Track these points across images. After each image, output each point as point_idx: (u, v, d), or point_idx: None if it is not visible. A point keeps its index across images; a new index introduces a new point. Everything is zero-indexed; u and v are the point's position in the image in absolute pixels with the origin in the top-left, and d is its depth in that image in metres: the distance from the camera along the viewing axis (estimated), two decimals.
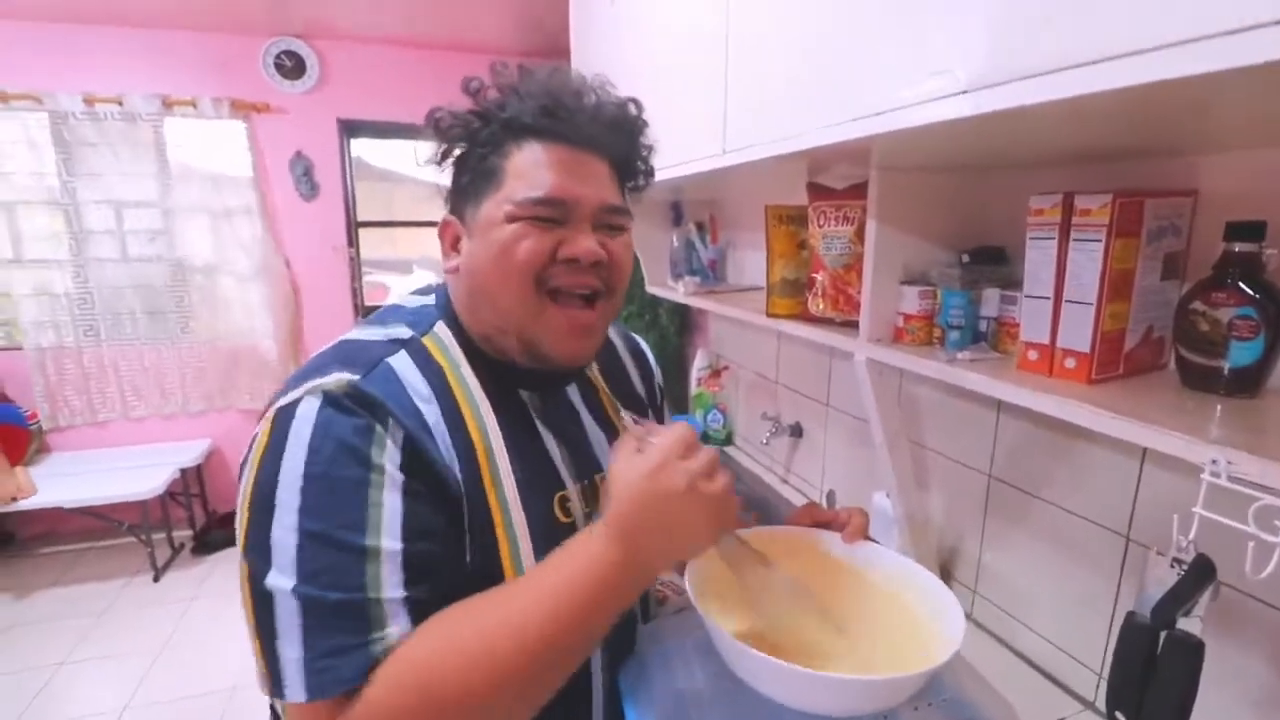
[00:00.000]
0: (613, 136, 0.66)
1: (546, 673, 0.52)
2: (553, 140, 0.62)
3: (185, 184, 2.97)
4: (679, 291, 1.62)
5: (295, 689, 0.48)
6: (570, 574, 0.52)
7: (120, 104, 2.82)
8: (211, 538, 3.03)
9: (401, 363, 0.60)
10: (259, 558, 0.50)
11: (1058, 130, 0.65)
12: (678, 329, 2.24)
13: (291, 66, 3.00)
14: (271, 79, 2.99)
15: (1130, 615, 0.57)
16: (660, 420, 0.89)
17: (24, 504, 2.55)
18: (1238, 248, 0.62)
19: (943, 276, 0.89)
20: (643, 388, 0.86)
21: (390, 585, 0.51)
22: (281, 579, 0.49)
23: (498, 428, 0.62)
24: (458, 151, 0.66)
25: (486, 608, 0.52)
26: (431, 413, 0.58)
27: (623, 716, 0.68)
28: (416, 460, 0.55)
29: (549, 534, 0.61)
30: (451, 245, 0.67)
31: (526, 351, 0.64)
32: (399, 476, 0.53)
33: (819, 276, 1.04)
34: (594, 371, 0.78)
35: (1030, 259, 0.73)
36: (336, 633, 0.49)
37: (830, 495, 1.42)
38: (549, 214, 0.61)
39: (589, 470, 0.70)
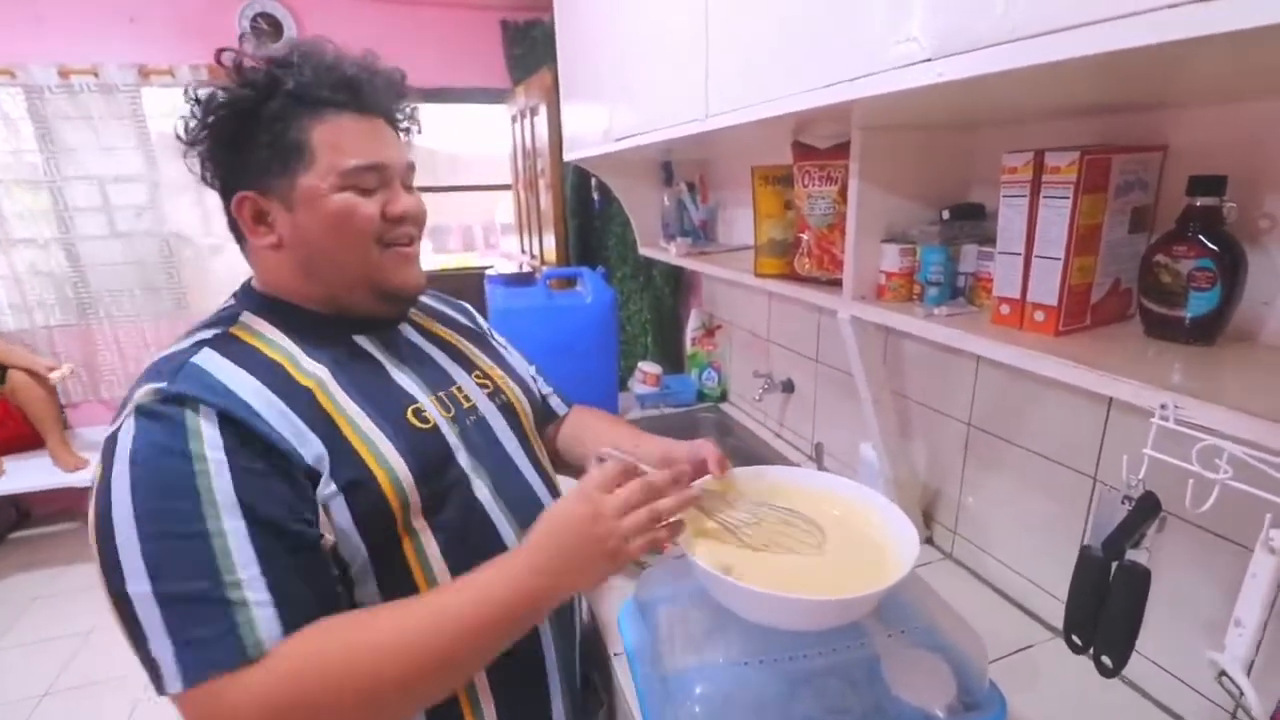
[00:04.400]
0: (392, 103, 0.73)
1: (455, 669, 0.59)
2: (351, 111, 0.68)
3: (168, 157, 2.93)
4: (671, 253, 1.64)
5: (173, 680, 0.51)
6: (489, 585, 0.58)
7: (96, 75, 2.76)
8: None
9: (206, 357, 0.62)
10: (112, 572, 0.52)
11: (1028, 91, 0.67)
12: (672, 289, 2.26)
13: (269, 29, 2.93)
14: (248, 43, 2.92)
15: (1085, 548, 0.62)
16: (500, 345, 0.97)
17: (41, 483, 2.61)
18: (1199, 202, 0.65)
19: (923, 234, 0.92)
20: (467, 320, 0.95)
21: (243, 561, 0.53)
22: (137, 584, 0.51)
23: (331, 372, 0.67)
24: (223, 125, 0.66)
25: (404, 605, 0.58)
26: (249, 386, 0.60)
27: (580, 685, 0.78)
28: (239, 432, 0.57)
29: (412, 440, 0.66)
30: (254, 220, 0.68)
31: (375, 293, 0.72)
32: (222, 457, 0.55)
33: (805, 236, 1.06)
34: (420, 316, 0.86)
35: (1003, 215, 0.75)
36: (200, 621, 0.51)
37: (819, 447, 1.47)
38: (371, 182, 0.68)
39: (442, 384, 0.76)
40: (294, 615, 0.54)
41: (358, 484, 0.61)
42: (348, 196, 0.66)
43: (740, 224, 1.69)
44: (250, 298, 0.72)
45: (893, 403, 1.13)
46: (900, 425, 1.18)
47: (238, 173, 0.67)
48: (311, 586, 0.57)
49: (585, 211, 2.67)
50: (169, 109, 2.90)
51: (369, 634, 0.55)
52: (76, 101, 2.78)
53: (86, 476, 2.64)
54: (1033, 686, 0.83)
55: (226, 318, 0.69)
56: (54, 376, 2.66)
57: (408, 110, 0.76)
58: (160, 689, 0.52)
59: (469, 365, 0.83)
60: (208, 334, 0.66)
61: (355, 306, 0.72)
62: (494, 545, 0.70)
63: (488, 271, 3.57)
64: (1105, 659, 0.61)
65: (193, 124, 0.67)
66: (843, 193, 0.98)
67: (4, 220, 2.82)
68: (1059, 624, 0.94)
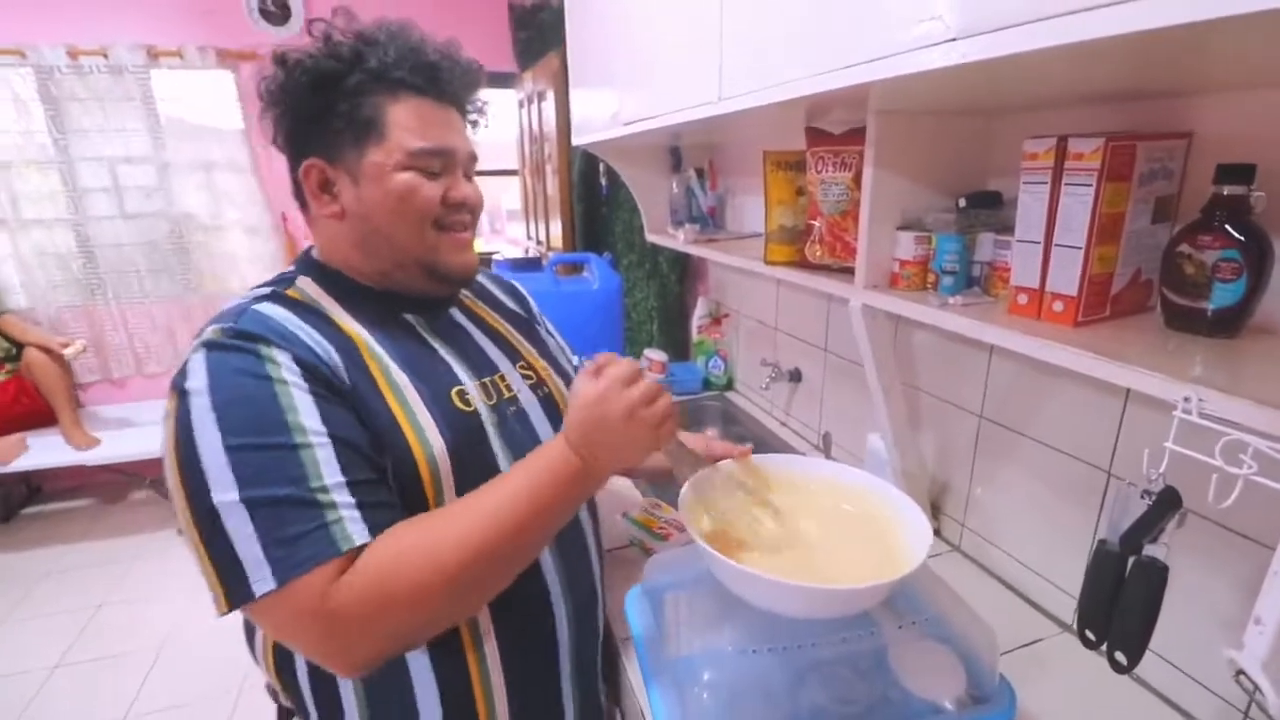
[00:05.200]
0: (467, 94, 0.75)
1: (513, 553, 0.61)
2: (427, 97, 0.70)
3: (177, 138, 2.93)
4: (679, 240, 1.62)
5: (263, 581, 0.52)
6: (536, 469, 0.61)
7: (105, 56, 2.76)
8: None
9: (267, 306, 0.65)
10: (197, 487, 0.53)
11: (1052, 74, 0.65)
12: (678, 277, 2.24)
13: (276, 10, 2.91)
14: (256, 24, 2.91)
15: (1101, 543, 0.61)
16: (548, 333, 0.98)
17: (51, 461, 2.63)
18: (1226, 190, 0.63)
19: (938, 222, 0.90)
20: (518, 307, 0.95)
21: (329, 471, 0.55)
22: (225, 494, 0.52)
23: (379, 340, 0.68)
24: (304, 93, 0.67)
25: (465, 501, 0.60)
26: (307, 332, 0.63)
27: (593, 616, 0.79)
28: (310, 370, 0.60)
29: (453, 421, 0.67)
30: (319, 187, 0.70)
31: (427, 274, 0.73)
32: (303, 383, 0.58)
33: (816, 223, 1.04)
34: (470, 299, 0.87)
35: (1023, 203, 0.74)
36: (290, 522, 0.53)
37: (826, 437, 1.46)
38: (436, 166, 0.69)
39: (486, 370, 0.77)
40: (377, 520, 0.56)
41: (392, 444, 0.63)
42: (411, 176, 0.68)
43: (750, 211, 1.67)
44: (309, 266, 0.74)
45: (903, 393, 1.12)
46: (910, 416, 1.17)
47: (309, 140, 0.69)
48: (392, 498, 0.61)
49: (592, 197, 2.65)
50: (178, 91, 2.89)
51: (445, 525, 0.58)
52: (86, 82, 2.77)
53: (98, 455, 2.67)
54: (1041, 681, 0.82)
55: (283, 280, 0.72)
56: (68, 352, 2.68)
57: (479, 103, 0.78)
58: (243, 597, 0.52)
59: (514, 354, 0.83)
60: (265, 290, 0.69)
61: (407, 284, 0.73)
62: None
63: (494, 257, 3.57)
64: (1119, 655, 0.60)
65: (274, 86, 0.68)
66: (857, 179, 0.96)
67: (15, 201, 2.83)
68: (1068, 619, 0.94)
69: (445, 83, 0.70)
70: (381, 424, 0.62)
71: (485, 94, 0.79)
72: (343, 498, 0.55)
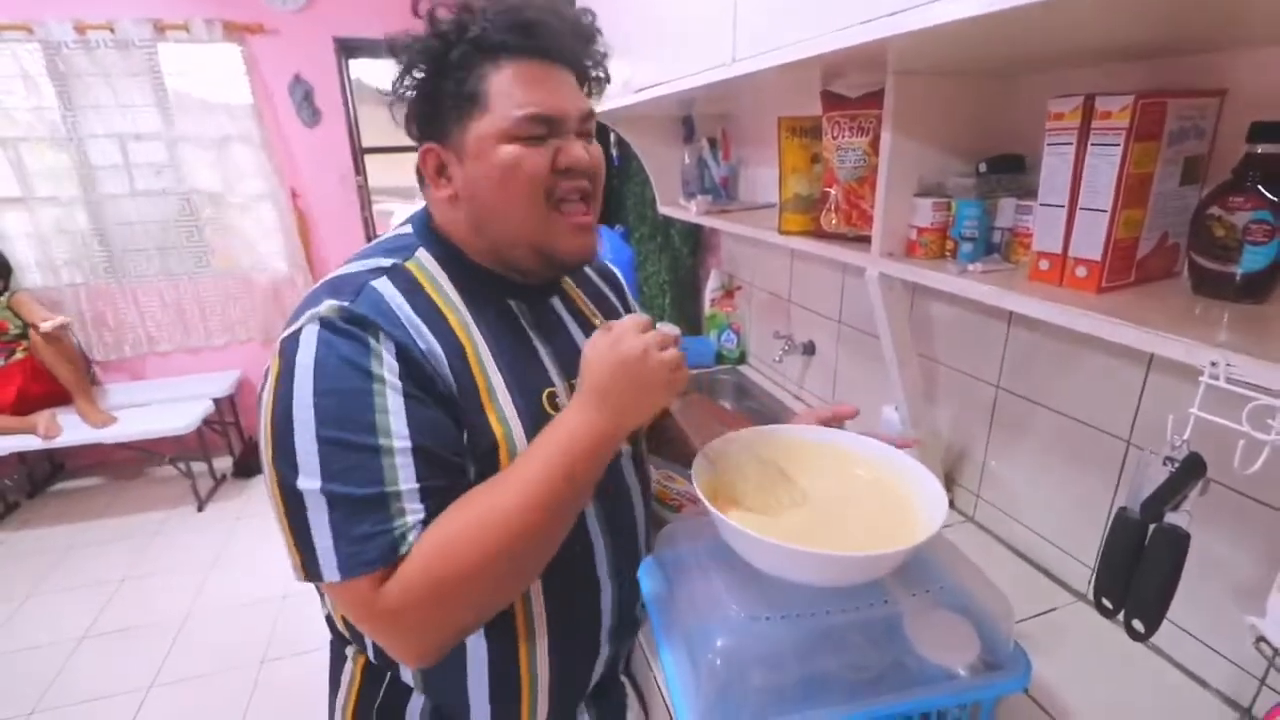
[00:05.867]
0: (579, 47, 0.70)
1: (550, 525, 0.61)
2: (528, 56, 0.65)
3: (186, 114, 2.92)
4: (691, 211, 1.60)
5: (330, 570, 0.55)
6: (558, 438, 0.61)
7: (112, 31, 2.74)
8: (251, 463, 3.18)
9: (384, 285, 0.64)
10: (287, 467, 0.56)
11: (1082, 23, 0.62)
12: (690, 250, 2.22)
13: None
14: None
15: (1122, 510, 0.60)
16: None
17: (67, 439, 2.67)
18: (1260, 149, 0.61)
19: (958, 187, 0.88)
20: (615, 299, 0.92)
21: (405, 477, 0.57)
22: (309, 481, 0.55)
23: (484, 334, 0.68)
24: (419, 76, 0.66)
25: (494, 483, 0.61)
26: (418, 324, 0.63)
27: (634, 608, 0.80)
28: (411, 367, 0.60)
29: (538, 421, 0.67)
30: (436, 172, 0.69)
31: (540, 257, 0.70)
32: (398, 383, 0.59)
33: (832, 191, 1.02)
34: (570, 287, 0.84)
35: (1047, 165, 0.72)
36: (362, 521, 0.55)
37: None
38: (541, 131, 0.65)
39: (576, 370, 0.75)
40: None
41: (484, 447, 0.64)
42: (514, 149, 0.64)
43: (763, 182, 1.65)
44: (427, 236, 0.72)
45: (918, 364, 1.11)
46: (925, 388, 1.16)
47: (427, 124, 0.68)
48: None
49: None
50: (186, 66, 2.87)
51: (484, 510, 0.58)
52: (93, 57, 2.76)
53: (117, 432, 2.71)
54: (1055, 649, 0.82)
55: (403, 248, 0.70)
56: (44, 327, 2.63)
57: (597, 56, 0.72)
58: (313, 575, 0.56)
59: None
60: (385, 262, 0.67)
61: (518, 264, 0.71)
62: (579, 536, 0.72)
63: None
64: (1136, 623, 0.59)
65: (394, 78, 0.67)
66: (874, 144, 0.94)
67: (27, 178, 2.84)
68: (1083, 588, 0.94)
69: (545, 38, 0.65)
70: (477, 427, 0.64)
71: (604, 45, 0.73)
72: (413, 505, 0.57)
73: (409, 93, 0.67)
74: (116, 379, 3.18)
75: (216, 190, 3.04)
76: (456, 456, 0.62)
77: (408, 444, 0.58)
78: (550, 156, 0.65)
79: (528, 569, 0.63)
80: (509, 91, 0.64)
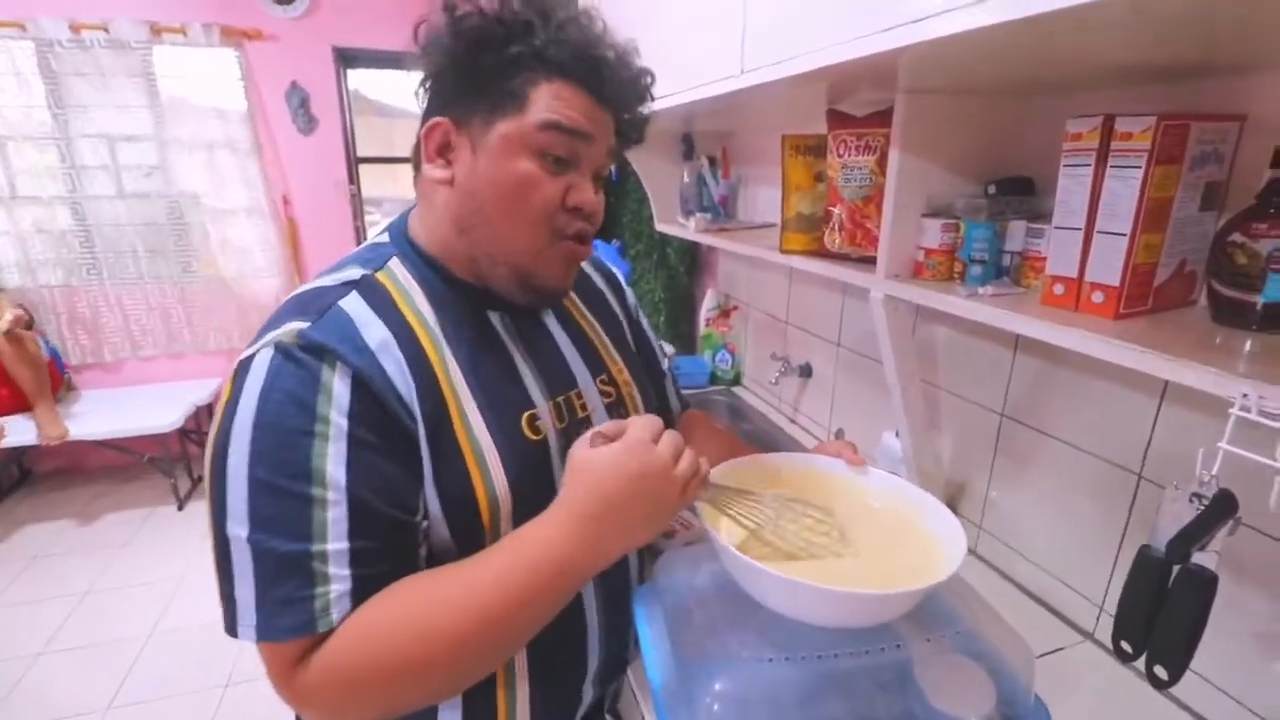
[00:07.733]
0: (629, 102, 0.68)
1: (493, 649, 0.56)
2: (584, 89, 0.63)
3: (179, 117, 2.88)
4: (689, 229, 1.58)
5: (247, 630, 0.52)
6: (526, 554, 0.55)
7: (107, 31, 2.70)
8: None
9: (353, 303, 0.60)
10: (218, 506, 0.53)
11: (1100, 39, 0.60)
12: (687, 268, 2.19)
13: None
14: (263, 3, 2.86)
15: (1144, 549, 0.57)
16: (640, 331, 0.92)
17: (35, 441, 2.58)
18: None
19: (967, 208, 0.86)
20: (618, 307, 0.89)
21: (335, 534, 0.53)
22: (237, 528, 0.52)
23: (456, 351, 0.63)
24: (461, 48, 0.62)
25: (445, 582, 0.55)
26: (388, 342, 0.59)
27: (624, 650, 0.75)
28: (366, 404, 0.55)
29: (519, 453, 0.63)
30: (437, 150, 0.64)
31: (518, 280, 0.66)
32: (345, 425, 0.54)
33: (836, 210, 1.00)
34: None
35: (1063, 187, 0.69)
36: (284, 583, 0.52)
37: (839, 434, 1.42)
38: (566, 151, 0.62)
39: (562, 387, 0.71)
40: (370, 591, 0.54)
41: (454, 481, 0.60)
42: (535, 169, 0.61)
43: (763, 201, 1.63)
44: (403, 244, 0.68)
45: (920, 390, 1.08)
46: (927, 414, 1.13)
47: (446, 97, 0.64)
48: (394, 565, 0.56)
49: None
50: (181, 69, 2.84)
51: (421, 601, 0.54)
52: (88, 57, 2.73)
53: (90, 431, 2.61)
54: (1067, 696, 0.78)
55: (378, 259, 0.66)
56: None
57: (640, 117, 0.70)
58: (230, 630, 0.53)
59: (597, 365, 0.77)
60: (357, 274, 0.63)
61: (493, 283, 0.67)
62: None
63: None
64: (1159, 670, 0.56)
65: (432, 32, 0.62)
66: (880, 163, 0.92)
67: (11, 177, 2.79)
68: (1090, 627, 0.90)
69: (607, 82, 0.63)
70: (446, 461, 0.59)
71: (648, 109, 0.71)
72: (339, 570, 0.53)
73: (432, 54, 0.63)
74: (95, 384, 3.08)
75: (206, 194, 2.99)
76: (401, 511, 0.57)
77: (343, 495, 0.53)
78: (564, 189, 0.63)
79: (465, 676, 0.57)
80: (553, 107, 0.61)
